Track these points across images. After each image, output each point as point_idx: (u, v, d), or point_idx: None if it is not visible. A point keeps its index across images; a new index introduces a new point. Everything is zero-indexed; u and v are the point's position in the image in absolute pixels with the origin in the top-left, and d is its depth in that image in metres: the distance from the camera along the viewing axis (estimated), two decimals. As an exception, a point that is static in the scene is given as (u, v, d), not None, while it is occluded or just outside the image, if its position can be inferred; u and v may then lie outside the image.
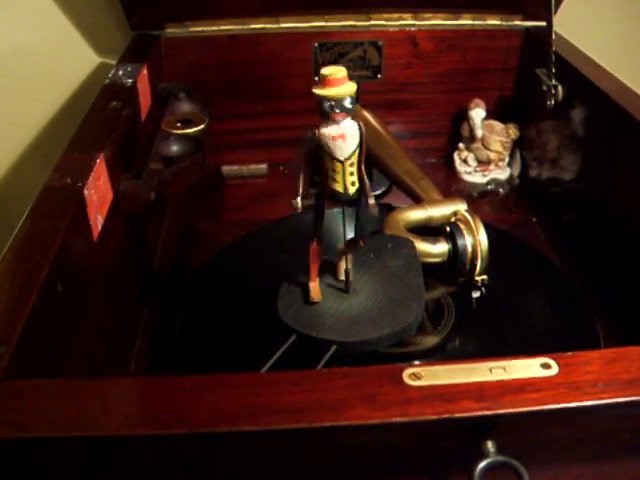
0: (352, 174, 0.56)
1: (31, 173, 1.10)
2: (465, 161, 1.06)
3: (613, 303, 0.78)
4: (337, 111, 0.52)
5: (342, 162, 0.54)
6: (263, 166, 1.08)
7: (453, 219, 0.73)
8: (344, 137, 0.53)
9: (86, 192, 0.60)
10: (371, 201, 0.57)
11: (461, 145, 1.07)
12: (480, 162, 1.05)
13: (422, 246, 0.70)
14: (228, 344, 0.69)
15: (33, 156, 1.11)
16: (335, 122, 0.53)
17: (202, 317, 0.73)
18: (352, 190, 0.56)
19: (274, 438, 0.39)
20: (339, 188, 0.56)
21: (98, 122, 0.73)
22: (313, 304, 0.61)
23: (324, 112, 0.52)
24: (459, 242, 0.70)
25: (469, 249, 0.70)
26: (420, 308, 0.60)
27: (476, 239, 0.70)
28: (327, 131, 0.53)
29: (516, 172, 1.06)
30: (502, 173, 1.06)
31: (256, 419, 0.37)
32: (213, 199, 1.02)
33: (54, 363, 0.51)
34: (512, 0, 1.00)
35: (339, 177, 0.55)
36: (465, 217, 0.72)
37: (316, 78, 1.02)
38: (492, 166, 1.05)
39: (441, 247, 0.71)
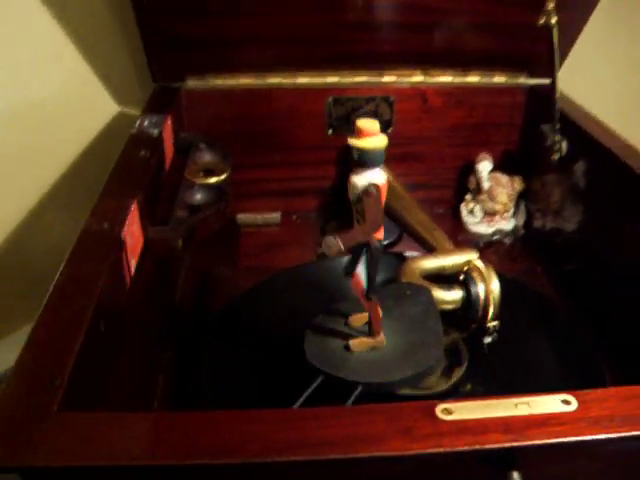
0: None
1: (51, 223, 1.13)
2: (472, 212, 1.10)
3: (614, 349, 0.81)
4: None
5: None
6: (276, 215, 1.12)
7: (466, 268, 0.76)
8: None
9: (123, 237, 0.64)
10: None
11: (468, 197, 1.11)
12: (486, 213, 1.09)
13: (438, 293, 0.73)
14: (253, 385, 0.72)
15: (51, 207, 1.14)
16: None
17: (226, 358, 0.76)
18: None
19: (321, 468, 0.41)
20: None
21: (129, 170, 0.76)
22: (338, 349, 0.64)
23: (369, 162, 0.56)
24: (472, 290, 0.73)
25: (482, 296, 0.73)
26: (440, 352, 0.63)
27: (489, 287, 0.73)
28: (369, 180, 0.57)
29: (521, 223, 1.10)
30: (507, 224, 1.09)
31: (303, 450, 0.40)
32: (229, 246, 1.05)
33: (98, 397, 0.54)
34: (517, 58, 1.05)
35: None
36: (477, 266, 0.75)
37: (330, 130, 1.07)
38: (498, 217, 1.09)
39: (456, 294, 0.74)
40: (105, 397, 0.56)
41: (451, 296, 0.74)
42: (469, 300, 0.73)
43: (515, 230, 1.09)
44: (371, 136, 0.56)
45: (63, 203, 1.13)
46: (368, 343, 0.64)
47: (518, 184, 1.08)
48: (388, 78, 1.06)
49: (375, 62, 1.04)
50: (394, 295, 0.70)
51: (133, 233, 0.67)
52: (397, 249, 1.00)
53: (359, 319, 0.66)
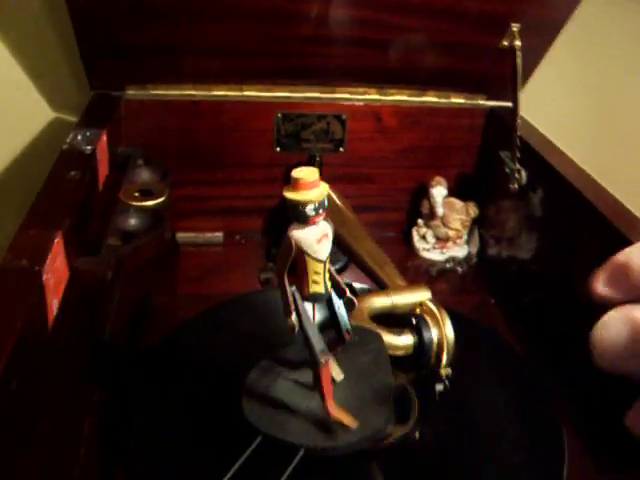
0: (328, 271, 0.54)
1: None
2: (424, 237, 1.05)
3: (573, 386, 0.77)
4: (320, 212, 0.50)
5: (324, 262, 0.52)
6: (219, 234, 1.05)
7: (418, 310, 0.71)
8: (327, 236, 0.52)
9: (44, 277, 0.57)
10: (349, 294, 0.56)
11: (420, 221, 1.06)
12: (438, 239, 1.04)
13: (388, 338, 0.68)
14: (188, 435, 0.66)
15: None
16: (315, 224, 0.51)
17: (159, 401, 0.70)
18: (329, 286, 0.54)
19: None
20: (321, 289, 0.53)
21: (55, 195, 0.69)
22: (280, 404, 0.58)
23: (303, 216, 0.50)
24: (425, 335, 0.68)
25: (435, 342, 0.68)
26: (390, 411, 0.58)
27: (442, 332, 0.68)
28: (308, 234, 0.51)
29: (474, 250, 1.05)
30: (460, 251, 1.05)
31: None
32: (168, 268, 0.99)
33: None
34: (476, 79, 1.01)
35: (320, 278, 0.53)
36: (431, 309, 0.70)
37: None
38: (450, 244, 1.04)
39: (407, 339, 0.69)
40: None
41: (402, 342, 0.69)
42: (421, 346, 0.68)
43: (468, 258, 1.05)
44: (309, 187, 0.50)
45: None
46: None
47: (473, 210, 1.03)
48: (341, 95, 1.01)
49: (328, 77, 0.99)
50: (342, 342, 0.65)
51: (56, 269, 0.61)
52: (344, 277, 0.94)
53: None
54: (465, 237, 1.06)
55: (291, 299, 0.53)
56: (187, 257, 1.02)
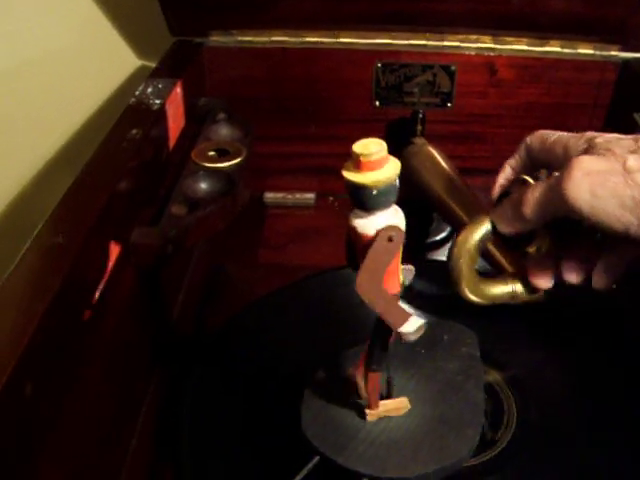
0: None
1: (58, 181, 1.01)
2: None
3: None
4: (388, 198, 0.40)
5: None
6: (311, 195, 0.96)
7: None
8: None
9: (82, 253, 0.49)
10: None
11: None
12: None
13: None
14: (239, 435, 0.58)
15: (60, 162, 1.01)
16: (381, 212, 0.41)
17: (214, 396, 0.62)
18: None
19: None
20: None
21: (110, 157, 0.62)
22: (340, 423, 0.49)
23: (366, 202, 0.40)
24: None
25: None
26: (476, 435, 0.48)
27: None
28: (369, 225, 0.41)
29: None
30: (581, 222, 0.92)
31: None
32: (251, 230, 0.90)
33: None
34: (609, 27, 0.86)
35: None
36: None
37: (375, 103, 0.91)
38: (569, 214, 0.92)
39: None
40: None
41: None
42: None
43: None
44: (373, 166, 0.39)
45: (70, 160, 1.00)
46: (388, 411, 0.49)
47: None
48: (450, 42, 0.89)
49: (435, 23, 0.87)
50: (427, 341, 0.54)
51: (98, 246, 0.53)
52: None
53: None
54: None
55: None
56: (273, 221, 0.94)
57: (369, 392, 0.48)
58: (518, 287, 0.55)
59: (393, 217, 0.41)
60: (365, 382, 0.48)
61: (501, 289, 0.55)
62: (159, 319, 0.70)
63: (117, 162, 0.61)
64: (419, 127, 0.86)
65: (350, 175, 0.39)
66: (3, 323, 0.42)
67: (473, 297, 0.54)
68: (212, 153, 0.73)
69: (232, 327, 0.69)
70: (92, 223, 0.52)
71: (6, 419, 0.38)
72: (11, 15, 0.91)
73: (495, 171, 0.93)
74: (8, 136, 0.97)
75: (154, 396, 0.65)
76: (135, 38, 1.00)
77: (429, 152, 0.82)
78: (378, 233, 0.40)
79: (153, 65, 0.98)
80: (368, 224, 0.40)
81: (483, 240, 0.53)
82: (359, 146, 0.38)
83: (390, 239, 0.40)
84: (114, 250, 0.57)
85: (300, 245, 0.89)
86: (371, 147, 0.38)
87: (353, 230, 0.41)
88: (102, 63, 1.00)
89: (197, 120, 0.81)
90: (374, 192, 0.39)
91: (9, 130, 0.97)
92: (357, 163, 0.38)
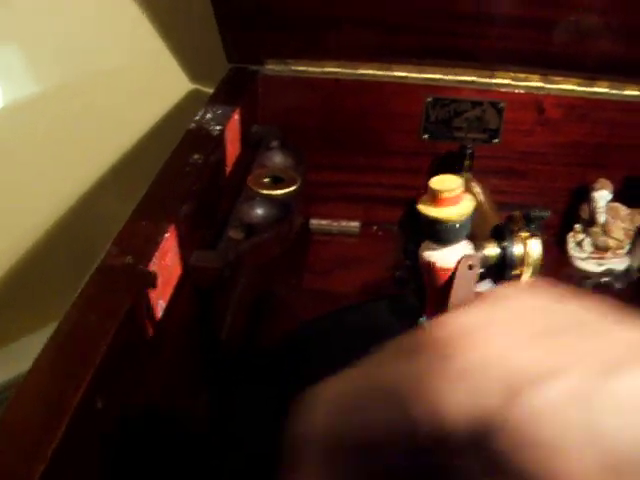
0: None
1: (108, 201, 1.03)
2: (580, 245, 0.94)
3: None
4: (463, 233, 0.42)
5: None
6: (355, 224, 0.98)
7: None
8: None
9: (150, 273, 0.51)
10: None
11: (577, 227, 0.94)
12: (597, 248, 0.93)
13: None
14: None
15: (112, 182, 1.03)
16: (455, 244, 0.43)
17: (264, 416, 0.63)
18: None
19: None
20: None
21: (173, 181, 0.64)
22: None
23: (442, 236, 0.42)
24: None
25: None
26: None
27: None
28: (446, 256, 0.43)
29: (636, 264, 0.93)
30: (620, 263, 0.93)
31: None
32: (296, 255, 0.92)
33: None
34: (657, 70, 0.88)
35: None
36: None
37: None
38: (609, 254, 0.93)
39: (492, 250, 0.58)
40: None
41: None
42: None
43: (628, 272, 0.93)
44: (452, 202, 0.41)
45: (122, 181, 1.02)
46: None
47: (639, 219, 0.91)
48: (499, 80, 0.90)
49: (485, 60, 0.89)
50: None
51: (164, 267, 0.55)
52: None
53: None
54: (627, 247, 0.93)
55: None
56: (318, 247, 0.95)
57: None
58: None
59: (466, 247, 0.42)
60: None
61: None
62: (210, 339, 0.72)
63: (181, 186, 0.63)
64: (467, 162, 0.88)
65: (431, 211, 0.40)
66: (77, 345, 0.44)
67: None
68: (267, 180, 0.75)
69: (282, 349, 0.70)
70: (158, 246, 0.54)
71: (81, 431, 0.40)
72: (71, 35, 0.93)
73: (535, 207, 0.95)
74: (61, 154, 0.99)
75: (203, 412, 0.67)
76: (189, 62, 1.02)
77: (473, 188, 0.84)
78: (459, 263, 0.42)
79: (204, 89, 1.02)
80: (447, 256, 0.42)
81: None
82: (438, 183, 0.40)
83: (470, 267, 0.42)
84: (175, 272, 0.59)
85: (344, 272, 0.90)
86: (451, 184, 0.40)
87: (431, 265, 0.43)
88: (155, 85, 1.02)
89: (250, 146, 0.83)
90: (456, 226, 0.40)
91: (62, 148, 0.99)
92: (438, 199, 0.40)
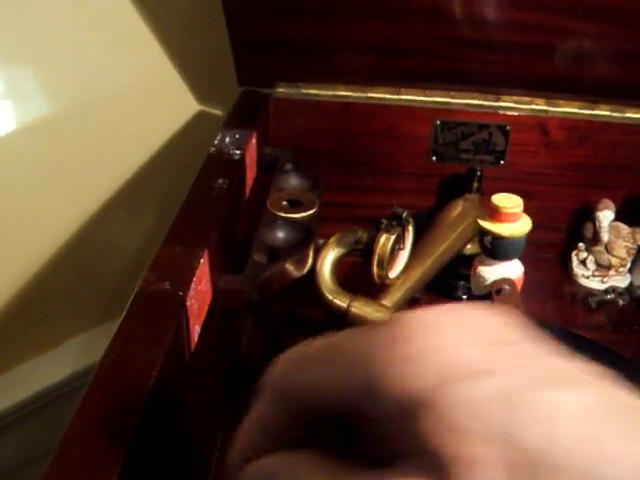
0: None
1: (115, 225, 1.04)
2: (583, 263, 0.96)
3: None
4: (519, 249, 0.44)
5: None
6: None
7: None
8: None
9: (188, 302, 0.53)
10: None
11: (581, 245, 0.97)
12: (600, 266, 0.95)
13: None
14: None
15: (120, 204, 1.04)
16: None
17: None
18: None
19: None
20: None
21: (201, 206, 0.65)
22: None
23: (501, 252, 0.43)
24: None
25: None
26: None
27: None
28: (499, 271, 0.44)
29: (638, 281, 0.96)
30: (622, 280, 0.95)
31: None
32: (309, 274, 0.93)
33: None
34: (658, 93, 0.91)
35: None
36: None
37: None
38: (612, 272, 0.95)
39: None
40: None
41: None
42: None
43: (630, 289, 0.95)
44: (513, 219, 0.43)
45: (131, 207, 1.03)
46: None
47: (640, 237, 0.94)
48: (506, 103, 0.93)
49: (491, 84, 0.91)
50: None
51: (199, 293, 0.56)
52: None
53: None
54: (628, 265, 0.96)
55: None
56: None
57: None
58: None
59: (517, 267, 0.44)
60: None
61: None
62: (235, 359, 0.73)
63: (210, 211, 0.64)
64: (475, 184, 0.90)
65: (490, 226, 0.42)
66: (130, 371, 0.46)
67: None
68: (285, 203, 0.76)
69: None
70: (195, 271, 0.55)
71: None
72: (83, 57, 0.94)
73: (541, 226, 0.97)
74: (70, 176, 1.00)
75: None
76: (196, 85, 1.03)
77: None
78: (492, 285, 0.44)
79: (212, 111, 1.03)
80: (491, 271, 0.44)
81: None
82: (500, 199, 0.42)
83: (498, 292, 0.44)
84: (208, 296, 0.60)
85: (356, 292, 0.91)
86: (513, 201, 0.42)
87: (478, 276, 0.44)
88: (163, 106, 1.03)
89: (263, 168, 0.85)
90: (512, 242, 0.42)
91: (71, 170, 1.00)
92: (498, 215, 0.42)
